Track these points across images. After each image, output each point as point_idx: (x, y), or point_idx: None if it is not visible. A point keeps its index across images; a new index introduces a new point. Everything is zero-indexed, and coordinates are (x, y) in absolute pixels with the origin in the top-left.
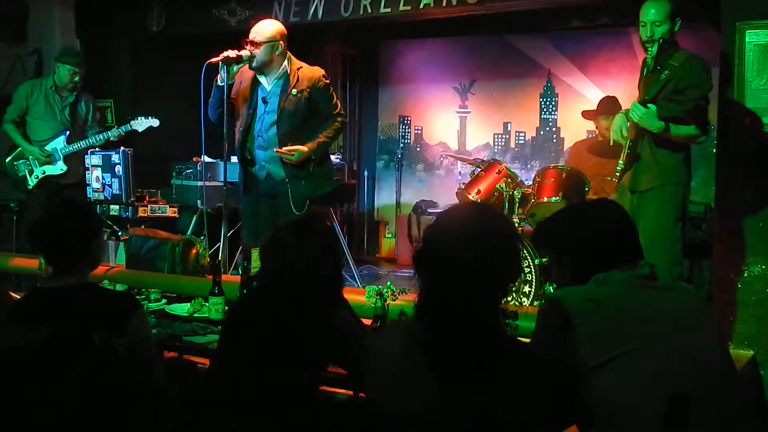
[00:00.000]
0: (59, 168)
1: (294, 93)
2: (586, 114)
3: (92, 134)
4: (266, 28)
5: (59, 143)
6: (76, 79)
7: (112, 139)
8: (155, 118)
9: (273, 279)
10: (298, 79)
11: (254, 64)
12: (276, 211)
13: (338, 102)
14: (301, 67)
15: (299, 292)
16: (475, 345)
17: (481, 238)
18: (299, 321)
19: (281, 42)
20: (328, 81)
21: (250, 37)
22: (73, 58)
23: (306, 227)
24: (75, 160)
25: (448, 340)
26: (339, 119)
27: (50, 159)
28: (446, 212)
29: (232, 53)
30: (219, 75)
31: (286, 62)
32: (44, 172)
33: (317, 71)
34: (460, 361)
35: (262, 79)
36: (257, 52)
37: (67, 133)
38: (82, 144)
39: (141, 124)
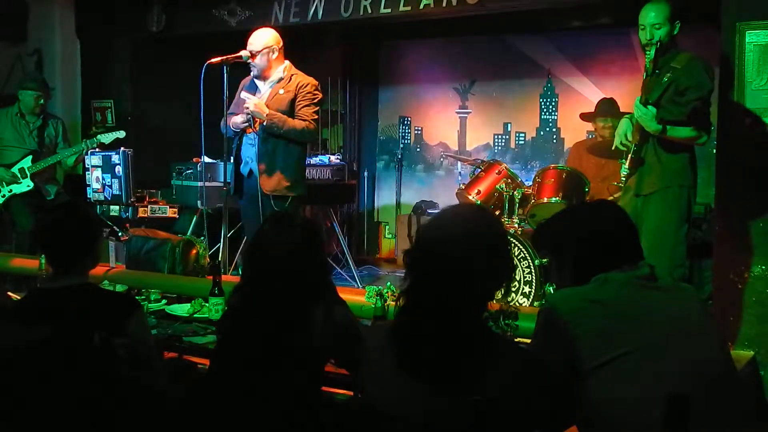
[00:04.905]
0: (25, 185)
1: (281, 92)
2: (584, 116)
3: (61, 148)
4: (261, 37)
5: (26, 163)
6: (41, 102)
7: (84, 154)
8: (122, 130)
9: (257, 276)
10: (289, 81)
11: (255, 72)
12: (259, 210)
13: (316, 115)
14: (297, 73)
15: (283, 287)
16: (457, 345)
17: (475, 240)
18: (293, 318)
19: (276, 46)
20: (316, 90)
21: (248, 49)
22: (35, 83)
23: (283, 221)
24: (42, 177)
25: (427, 339)
26: (309, 125)
27: (15, 179)
28: (443, 212)
29: (231, 56)
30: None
31: (282, 67)
32: (11, 191)
33: (309, 80)
34: (441, 362)
35: (259, 83)
36: (256, 61)
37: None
38: (50, 159)
39: (107, 137)
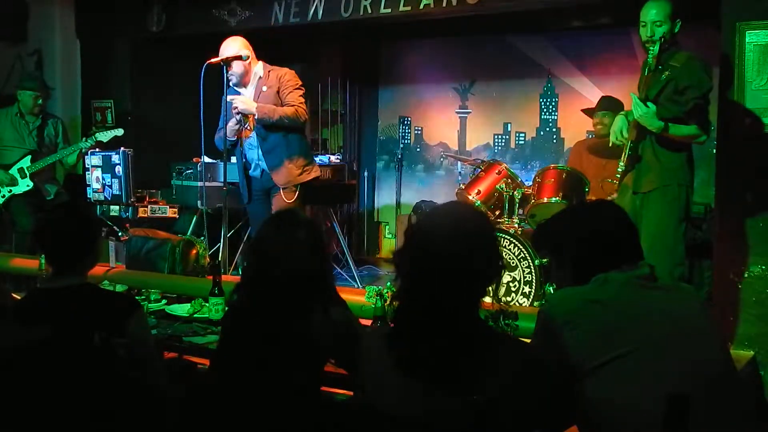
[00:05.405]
0: (25, 185)
1: (264, 89)
2: (585, 111)
3: (61, 148)
4: (231, 47)
5: (25, 162)
6: (39, 102)
7: (83, 151)
8: (120, 128)
9: (257, 275)
10: (268, 77)
11: (235, 80)
12: (271, 205)
13: (303, 99)
14: (273, 68)
15: (283, 287)
16: (453, 344)
17: (468, 237)
18: (293, 318)
19: (247, 50)
20: (296, 78)
21: (221, 59)
22: (34, 83)
23: (285, 220)
24: (42, 177)
25: (423, 339)
26: (299, 108)
27: (14, 180)
28: (435, 211)
29: (231, 56)
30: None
31: (258, 68)
32: (10, 191)
33: (286, 70)
34: (439, 361)
35: (241, 89)
36: (234, 70)
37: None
38: (49, 159)
39: (106, 135)
